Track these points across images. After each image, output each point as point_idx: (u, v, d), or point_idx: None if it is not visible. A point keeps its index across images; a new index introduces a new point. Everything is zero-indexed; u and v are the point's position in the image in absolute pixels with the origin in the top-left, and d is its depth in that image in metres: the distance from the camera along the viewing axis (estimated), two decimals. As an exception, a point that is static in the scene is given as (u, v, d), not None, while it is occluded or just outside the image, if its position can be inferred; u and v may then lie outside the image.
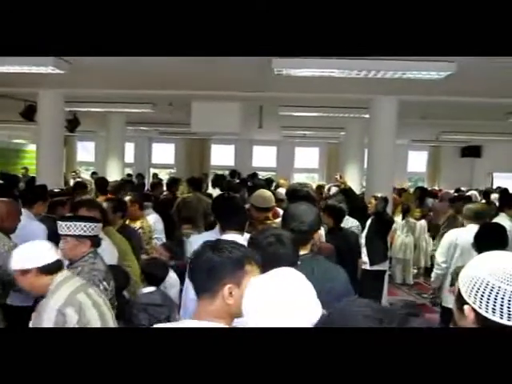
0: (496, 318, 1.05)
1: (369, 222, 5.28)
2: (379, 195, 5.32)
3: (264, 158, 14.71)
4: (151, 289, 3.16)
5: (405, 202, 8.34)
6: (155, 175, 13.01)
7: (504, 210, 5.05)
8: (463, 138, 11.68)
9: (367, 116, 6.53)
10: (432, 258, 6.52)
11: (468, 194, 9.32)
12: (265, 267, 1.66)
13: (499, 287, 1.05)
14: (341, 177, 5.54)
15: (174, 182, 7.85)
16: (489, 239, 2.99)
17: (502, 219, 4.84)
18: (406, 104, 6.20)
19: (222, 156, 14.71)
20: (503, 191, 8.03)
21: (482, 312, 1.06)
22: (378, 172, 6.06)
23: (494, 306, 1.05)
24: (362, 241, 5.12)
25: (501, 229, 3.24)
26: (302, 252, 2.13)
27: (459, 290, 1.14)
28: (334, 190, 7.01)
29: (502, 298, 1.04)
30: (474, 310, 1.09)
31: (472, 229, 3.63)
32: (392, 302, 6.37)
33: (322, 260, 2.35)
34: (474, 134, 10.84)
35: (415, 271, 7.95)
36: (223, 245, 1.51)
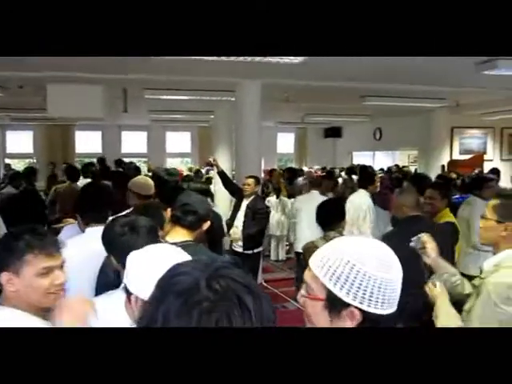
0: (384, 311, 1.00)
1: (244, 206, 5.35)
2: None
3: (134, 143, 14.18)
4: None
5: (275, 182, 8.68)
6: (8, 166, 11.80)
7: (363, 186, 5.37)
8: (325, 119, 12.46)
9: (234, 99, 6.59)
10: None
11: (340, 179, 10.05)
12: (120, 256, 1.72)
13: (382, 278, 1.00)
14: (214, 160, 5.55)
15: (32, 173, 7.20)
16: (328, 213, 3.19)
17: (361, 195, 5.23)
18: (270, 87, 6.37)
19: (88, 143, 13.84)
20: (362, 168, 8.70)
21: (372, 310, 1.00)
22: (246, 154, 6.18)
23: (383, 299, 1.00)
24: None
25: (339, 204, 3.47)
26: (186, 238, 2.31)
27: (330, 291, 1.02)
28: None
29: (386, 289, 1.00)
30: (360, 310, 1.01)
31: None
32: (265, 279, 6.62)
33: (203, 247, 2.47)
34: (335, 116, 11.61)
35: (287, 247, 8.34)
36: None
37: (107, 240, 1.88)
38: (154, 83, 6.61)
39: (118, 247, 1.79)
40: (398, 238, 3.00)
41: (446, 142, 10.51)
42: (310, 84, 6.46)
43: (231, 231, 5.37)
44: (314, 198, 5.13)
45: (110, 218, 2.30)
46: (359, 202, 5.08)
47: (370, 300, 0.98)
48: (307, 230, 5.13)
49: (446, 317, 1.96)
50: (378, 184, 5.57)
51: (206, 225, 2.47)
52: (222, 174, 5.71)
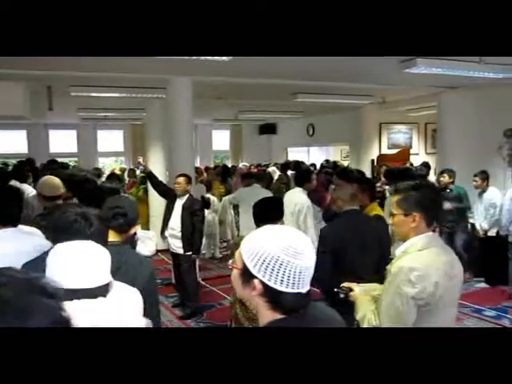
0: (283, 288, 1.19)
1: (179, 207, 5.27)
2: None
3: (63, 142, 13.57)
4: None
5: (207, 179, 8.67)
6: None
7: (299, 184, 5.18)
8: (260, 116, 12.56)
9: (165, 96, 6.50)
10: (239, 230, 6.96)
11: (270, 169, 10.20)
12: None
13: (288, 261, 1.18)
14: (143, 160, 5.41)
15: None
16: (266, 211, 3.15)
17: (296, 193, 5.15)
18: (201, 84, 6.33)
19: (11, 142, 13.07)
20: (297, 166, 8.82)
21: (271, 284, 1.19)
22: (179, 152, 6.11)
23: (283, 277, 1.18)
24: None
25: (277, 201, 3.45)
26: (113, 239, 2.30)
27: (245, 265, 1.22)
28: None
29: (290, 271, 1.18)
30: (263, 283, 1.20)
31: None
32: (202, 277, 6.58)
33: (127, 248, 2.46)
34: (269, 113, 11.74)
35: (224, 244, 8.33)
36: None
37: (61, 228, 1.88)
38: (81, 80, 6.37)
39: (71, 234, 1.79)
40: (339, 230, 3.15)
41: (374, 137, 10.95)
42: (241, 81, 6.48)
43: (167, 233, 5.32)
44: (256, 191, 5.56)
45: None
46: (295, 201, 5.05)
47: (271, 276, 1.18)
48: (250, 221, 5.15)
49: (361, 308, 2.08)
50: (314, 181, 5.61)
51: (135, 229, 2.52)
52: (149, 174, 5.56)
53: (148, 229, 8.96)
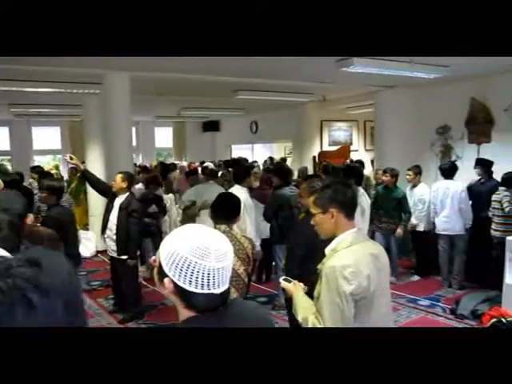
0: (192, 289, 1.20)
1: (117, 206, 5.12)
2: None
3: (-5, 140, 12.87)
4: None
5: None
6: None
7: (238, 180, 5.27)
8: (203, 113, 12.48)
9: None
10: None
11: (205, 164, 10.26)
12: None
13: (196, 262, 1.18)
14: (71, 158, 5.09)
15: None
16: (221, 207, 3.16)
17: (235, 190, 5.22)
18: (140, 80, 6.19)
19: None
20: (235, 163, 8.85)
21: (180, 284, 1.20)
22: (117, 149, 5.93)
23: (191, 278, 1.19)
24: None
25: (233, 198, 3.40)
26: None
27: (160, 262, 1.24)
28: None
29: (198, 272, 1.19)
30: (174, 282, 1.21)
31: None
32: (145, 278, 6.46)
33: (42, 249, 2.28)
34: (212, 110, 11.69)
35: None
36: None
37: None
38: (11, 73, 6.04)
39: None
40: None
41: (316, 134, 11.16)
42: (181, 77, 6.40)
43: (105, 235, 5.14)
44: (214, 188, 5.69)
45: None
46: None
47: (180, 275, 1.19)
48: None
49: (302, 310, 2.10)
50: (253, 178, 5.70)
51: (28, 220, 2.46)
52: (84, 173, 5.26)
53: (87, 229, 8.71)
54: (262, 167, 10.27)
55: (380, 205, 6.33)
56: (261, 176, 7.47)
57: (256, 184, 6.83)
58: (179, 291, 1.21)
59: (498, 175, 6.13)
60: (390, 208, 6.24)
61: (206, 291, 1.19)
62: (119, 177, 4.95)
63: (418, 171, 6.50)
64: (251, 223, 4.91)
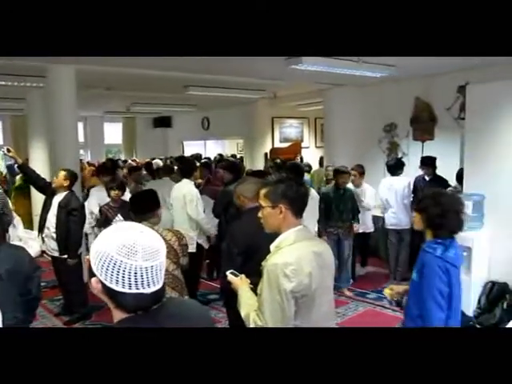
0: (119, 288, 1.18)
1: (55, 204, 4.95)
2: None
3: None
4: None
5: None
6: None
7: (185, 175, 5.48)
8: (153, 109, 12.25)
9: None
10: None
11: (154, 161, 10.18)
12: None
13: (121, 261, 1.16)
14: (8, 150, 4.94)
15: None
16: (135, 205, 3.31)
17: (185, 184, 5.27)
18: (86, 74, 6.00)
19: None
20: (181, 159, 8.78)
21: (107, 284, 1.19)
22: (62, 145, 5.72)
23: (117, 277, 1.17)
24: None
25: (152, 194, 3.44)
26: None
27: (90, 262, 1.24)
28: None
29: (124, 271, 1.16)
30: (101, 282, 1.20)
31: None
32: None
33: None
34: (163, 106, 11.49)
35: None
36: None
37: None
38: None
39: None
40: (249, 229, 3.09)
41: (267, 131, 11.22)
42: (129, 72, 6.25)
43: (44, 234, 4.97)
44: (166, 184, 5.90)
45: None
46: (184, 192, 5.16)
47: (106, 275, 1.17)
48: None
49: (246, 306, 2.11)
50: (198, 173, 5.88)
51: None
52: (22, 167, 5.14)
53: (32, 228, 8.37)
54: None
55: (336, 206, 5.75)
56: (213, 172, 7.47)
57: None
58: (107, 291, 1.19)
59: (441, 171, 6.43)
60: (345, 209, 5.78)
61: (134, 291, 1.16)
62: (62, 174, 4.81)
63: (361, 171, 6.46)
64: (202, 213, 5.16)
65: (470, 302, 4.51)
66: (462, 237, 4.63)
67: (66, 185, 4.84)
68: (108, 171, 6.05)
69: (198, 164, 6.97)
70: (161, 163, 10.11)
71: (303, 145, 11.94)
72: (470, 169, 4.99)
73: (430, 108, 7.31)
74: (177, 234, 3.21)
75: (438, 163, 6.48)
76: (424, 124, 7.42)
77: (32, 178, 5.16)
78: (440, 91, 7.01)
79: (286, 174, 4.91)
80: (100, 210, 5.17)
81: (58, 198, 4.84)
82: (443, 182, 6.07)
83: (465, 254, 4.39)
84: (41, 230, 4.99)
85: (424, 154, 7.06)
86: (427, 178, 6.50)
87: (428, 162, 6.50)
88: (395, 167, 6.33)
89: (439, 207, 2.36)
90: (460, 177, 5.57)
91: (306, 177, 7.94)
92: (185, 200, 5.12)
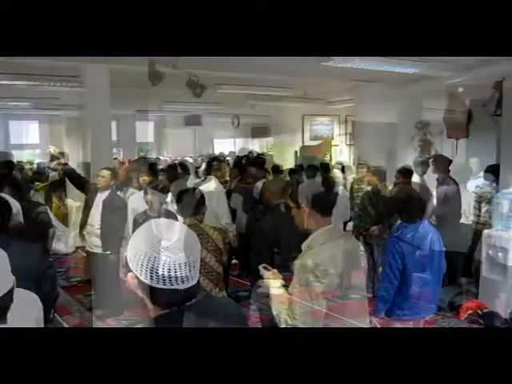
0: (153, 284, 1.19)
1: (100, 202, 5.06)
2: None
3: None
4: None
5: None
6: None
7: (211, 173, 5.58)
8: (184, 107, 12.33)
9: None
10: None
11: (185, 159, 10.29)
12: None
13: (155, 257, 1.18)
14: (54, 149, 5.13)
15: None
16: (184, 202, 3.28)
17: (210, 183, 5.38)
18: (122, 74, 6.10)
19: None
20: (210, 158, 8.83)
21: (142, 279, 1.21)
22: (97, 144, 5.85)
23: (151, 273, 1.19)
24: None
25: (195, 193, 3.46)
26: None
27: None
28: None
29: (158, 266, 1.18)
30: (137, 277, 1.23)
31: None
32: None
33: None
34: (194, 104, 11.54)
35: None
36: None
37: None
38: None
39: None
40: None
41: (297, 129, 11.17)
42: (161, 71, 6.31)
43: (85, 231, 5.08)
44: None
45: None
46: (212, 189, 5.20)
47: (141, 270, 1.19)
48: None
49: (277, 305, 2.11)
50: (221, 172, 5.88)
51: None
52: (65, 166, 5.31)
53: (67, 225, 8.57)
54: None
55: (373, 208, 5.47)
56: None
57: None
58: (142, 286, 1.21)
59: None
60: (378, 211, 5.41)
61: (168, 286, 1.18)
62: (107, 173, 4.91)
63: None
64: (227, 211, 5.22)
65: (509, 303, 4.38)
66: (499, 236, 4.52)
67: (111, 184, 4.97)
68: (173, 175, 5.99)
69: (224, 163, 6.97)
70: (191, 161, 10.16)
71: (333, 142, 11.83)
72: (507, 167, 4.84)
73: (465, 104, 7.12)
74: (221, 233, 3.22)
75: (471, 162, 6.31)
76: (458, 121, 7.24)
77: (74, 177, 5.29)
78: (475, 87, 6.82)
79: (313, 173, 4.90)
80: (134, 220, 4.70)
81: (101, 197, 4.95)
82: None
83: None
84: (82, 227, 5.13)
85: (458, 153, 6.88)
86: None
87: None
88: (421, 167, 6.12)
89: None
90: (488, 173, 5.30)
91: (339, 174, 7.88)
92: (211, 197, 5.14)
